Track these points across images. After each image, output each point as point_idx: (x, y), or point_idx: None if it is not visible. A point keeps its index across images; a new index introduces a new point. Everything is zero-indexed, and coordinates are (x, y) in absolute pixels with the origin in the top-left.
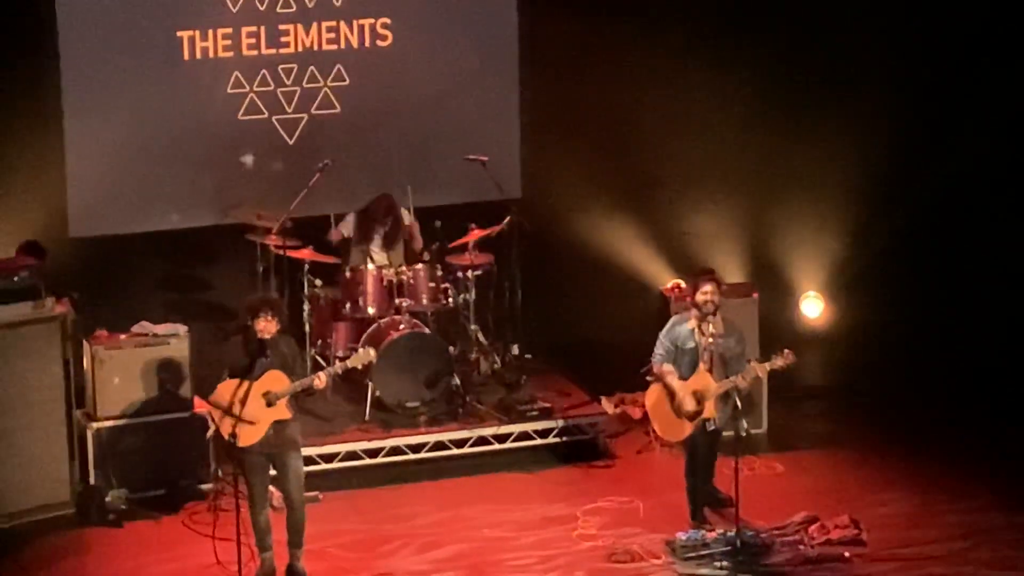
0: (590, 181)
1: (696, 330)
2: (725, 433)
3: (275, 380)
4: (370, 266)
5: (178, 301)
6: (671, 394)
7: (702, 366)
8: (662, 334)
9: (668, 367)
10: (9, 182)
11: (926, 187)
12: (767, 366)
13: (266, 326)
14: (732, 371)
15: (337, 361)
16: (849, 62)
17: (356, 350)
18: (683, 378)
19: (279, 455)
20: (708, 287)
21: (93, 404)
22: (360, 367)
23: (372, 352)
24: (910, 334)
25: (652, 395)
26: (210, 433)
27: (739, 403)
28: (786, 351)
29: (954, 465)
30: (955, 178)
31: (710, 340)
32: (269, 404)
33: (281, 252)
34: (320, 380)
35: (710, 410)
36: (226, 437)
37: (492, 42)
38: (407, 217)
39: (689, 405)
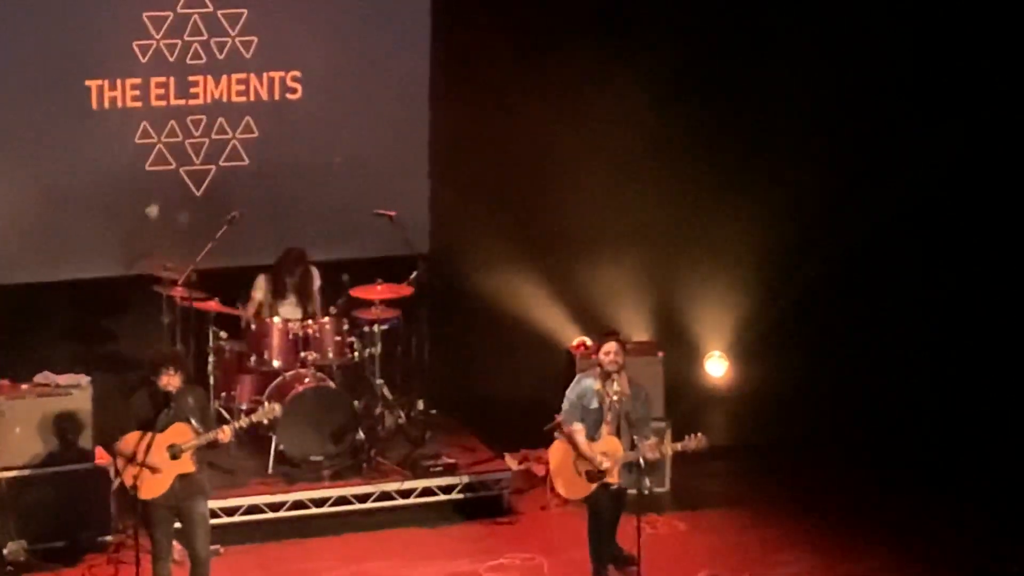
0: (498, 237)
1: (601, 389)
2: (628, 491)
3: (179, 433)
4: (276, 319)
5: (83, 352)
6: (576, 453)
7: (606, 428)
8: (568, 392)
9: (579, 426)
10: None
11: (831, 248)
12: (678, 446)
13: (169, 381)
14: (638, 432)
15: (243, 415)
16: (760, 122)
17: (261, 403)
18: (589, 438)
19: (184, 508)
20: (610, 346)
21: None
22: (265, 422)
23: (277, 408)
24: (813, 394)
25: (557, 452)
26: (115, 485)
27: (642, 462)
28: (700, 435)
29: (854, 525)
30: (860, 239)
31: (615, 399)
32: (174, 457)
33: (187, 304)
34: (224, 434)
35: (613, 475)
36: (128, 488)
37: (403, 97)
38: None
39: (592, 466)
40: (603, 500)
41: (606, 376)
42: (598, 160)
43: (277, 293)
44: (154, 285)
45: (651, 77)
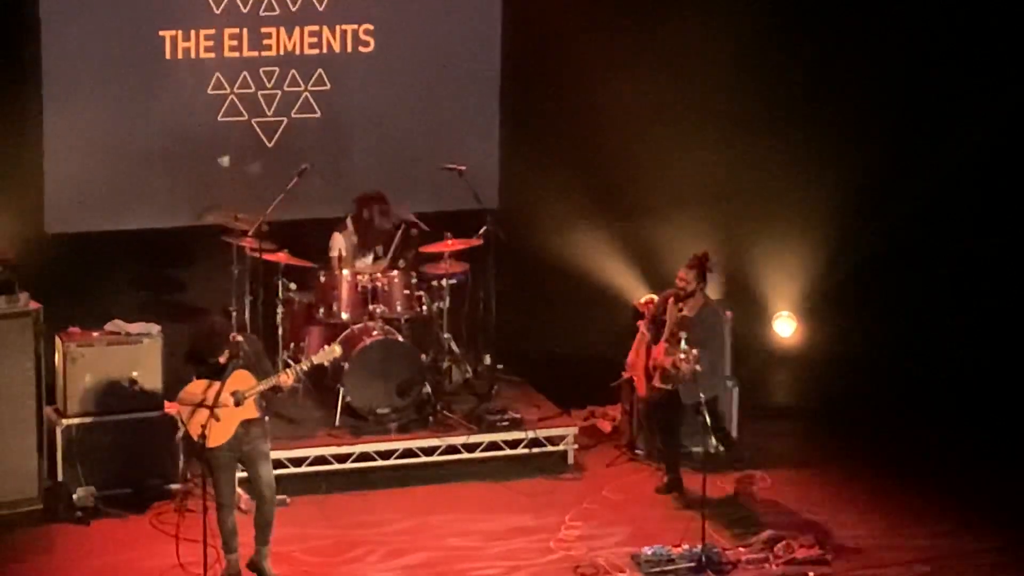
0: (567, 194)
1: (672, 305)
2: (694, 449)
3: (241, 379)
4: (345, 271)
5: (152, 301)
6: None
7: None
8: None
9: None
10: None
11: (900, 208)
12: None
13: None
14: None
15: (303, 359)
16: (827, 80)
17: None
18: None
19: (248, 454)
20: (681, 272)
21: (63, 401)
22: (326, 363)
23: (337, 348)
24: (881, 355)
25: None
26: (179, 434)
27: (708, 419)
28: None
29: (921, 488)
30: (930, 199)
31: (678, 315)
32: (237, 403)
33: (257, 255)
34: (287, 376)
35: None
36: (195, 438)
37: (474, 52)
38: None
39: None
40: (654, 401)
41: (680, 297)
42: (668, 118)
43: (363, 243)
44: (224, 236)
45: (724, 37)
